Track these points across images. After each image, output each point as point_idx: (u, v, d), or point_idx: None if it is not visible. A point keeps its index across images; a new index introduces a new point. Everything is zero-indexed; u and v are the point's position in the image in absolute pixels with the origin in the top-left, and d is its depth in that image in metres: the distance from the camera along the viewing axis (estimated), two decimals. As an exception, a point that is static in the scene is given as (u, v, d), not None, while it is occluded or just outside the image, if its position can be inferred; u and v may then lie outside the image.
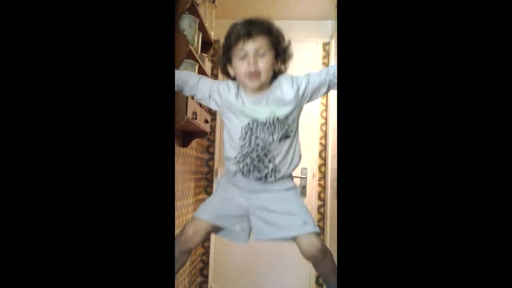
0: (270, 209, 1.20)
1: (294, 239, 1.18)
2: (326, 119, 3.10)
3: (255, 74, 1.10)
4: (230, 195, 1.26)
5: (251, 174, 1.18)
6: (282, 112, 1.14)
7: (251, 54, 1.09)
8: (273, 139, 1.14)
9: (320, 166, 3.07)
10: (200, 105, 2.03)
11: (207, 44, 2.39)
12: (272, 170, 1.18)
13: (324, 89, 1.17)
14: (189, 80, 1.21)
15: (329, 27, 3.12)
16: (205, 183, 3.05)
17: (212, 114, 3.04)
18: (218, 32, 2.73)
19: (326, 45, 3.15)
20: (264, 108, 1.15)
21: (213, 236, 2.94)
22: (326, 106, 3.10)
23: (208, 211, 1.25)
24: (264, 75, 1.11)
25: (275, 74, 1.18)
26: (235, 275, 3.01)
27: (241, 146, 1.17)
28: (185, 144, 2.36)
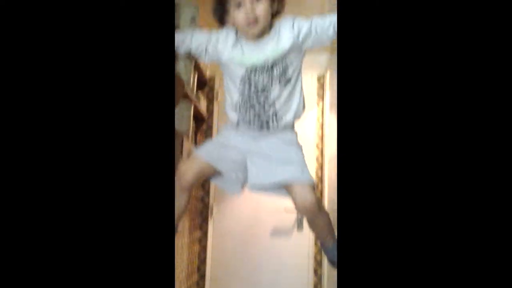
0: (269, 156, 1.19)
1: (288, 191, 1.17)
2: (322, 150, 3.11)
3: (254, 20, 1.10)
4: (230, 141, 1.24)
5: (253, 122, 1.18)
6: (281, 56, 1.13)
7: (247, 2, 1.08)
8: (271, 83, 1.14)
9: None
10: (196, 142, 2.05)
11: (202, 82, 2.43)
12: (273, 114, 1.16)
13: (328, 38, 1.16)
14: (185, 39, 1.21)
15: (324, 60, 3.17)
16: (200, 220, 3.04)
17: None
18: (213, 69, 2.77)
19: (321, 78, 3.20)
20: (263, 54, 1.14)
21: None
22: (322, 137, 3.12)
23: (206, 150, 1.24)
24: (263, 20, 1.11)
25: (273, 16, 1.16)
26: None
27: (240, 93, 1.17)
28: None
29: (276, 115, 1.16)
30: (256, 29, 1.11)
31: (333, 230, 1.21)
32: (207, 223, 2.99)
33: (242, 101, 1.17)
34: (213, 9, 1.15)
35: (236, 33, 1.17)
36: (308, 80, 3.16)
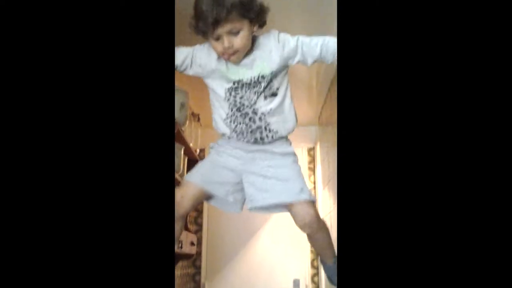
0: (266, 175, 1.14)
1: (288, 209, 1.13)
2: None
3: (233, 53, 1.06)
4: (223, 159, 1.18)
5: (245, 134, 1.13)
6: (267, 70, 1.10)
7: (224, 36, 1.03)
8: (257, 97, 1.10)
9: (313, 276, 2.95)
10: (186, 228, 1.96)
11: (192, 162, 2.39)
12: (265, 128, 1.13)
13: (312, 60, 1.12)
14: None
15: (313, 132, 3.18)
16: (192, 300, 2.89)
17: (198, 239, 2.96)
18: (204, 141, 2.75)
19: (311, 150, 3.19)
20: (249, 70, 1.10)
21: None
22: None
23: (199, 175, 1.17)
24: (243, 49, 1.07)
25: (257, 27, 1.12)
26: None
27: (228, 107, 1.13)
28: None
29: (268, 127, 1.13)
30: (236, 58, 1.08)
31: (333, 247, 1.18)
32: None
33: (230, 115, 1.13)
34: (191, 29, 1.09)
35: None
36: (299, 154, 3.15)
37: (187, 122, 2.20)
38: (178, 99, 1.93)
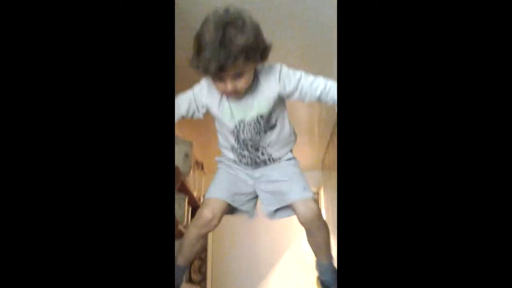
0: (272, 180, 1.19)
1: (292, 208, 1.15)
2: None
3: (235, 93, 1.05)
4: (235, 172, 1.22)
5: (249, 164, 1.19)
6: (265, 109, 1.11)
7: (228, 79, 1.01)
8: (260, 136, 1.15)
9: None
10: (190, 279, 1.91)
11: (196, 211, 2.36)
12: (268, 159, 1.19)
13: (309, 100, 1.13)
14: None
15: (317, 177, 3.16)
16: None
17: (202, 273, 2.88)
18: (207, 187, 2.73)
19: (314, 195, 3.16)
20: (250, 109, 1.12)
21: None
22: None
23: (221, 190, 1.19)
24: (245, 88, 1.06)
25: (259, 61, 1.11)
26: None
27: (233, 141, 1.17)
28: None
29: (271, 158, 1.20)
30: (238, 97, 1.09)
31: (330, 248, 1.21)
32: None
33: (236, 148, 1.18)
34: (191, 66, 1.06)
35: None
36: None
37: (191, 172, 2.19)
38: (182, 149, 1.93)
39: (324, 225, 1.19)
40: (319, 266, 1.24)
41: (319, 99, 1.10)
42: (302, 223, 1.15)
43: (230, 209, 1.22)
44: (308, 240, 1.21)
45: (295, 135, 1.24)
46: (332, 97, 1.08)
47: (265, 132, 1.14)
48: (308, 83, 1.09)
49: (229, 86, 1.01)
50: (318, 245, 1.21)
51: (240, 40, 0.95)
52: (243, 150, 1.18)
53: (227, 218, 1.23)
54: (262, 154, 1.18)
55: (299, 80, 1.09)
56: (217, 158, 1.26)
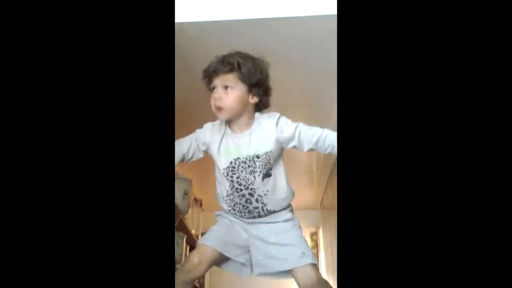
0: (268, 241, 1.17)
1: (291, 273, 1.13)
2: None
3: (218, 108, 1.12)
4: (231, 224, 1.21)
5: (243, 213, 1.18)
6: (262, 150, 1.14)
7: (219, 87, 1.12)
8: (254, 178, 1.14)
9: None
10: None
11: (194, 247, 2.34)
12: (262, 209, 1.17)
13: (308, 148, 1.16)
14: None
15: (315, 217, 3.15)
16: None
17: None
18: (206, 226, 2.71)
19: (313, 234, 3.14)
20: (246, 146, 1.15)
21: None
22: None
23: (214, 238, 1.18)
24: (230, 109, 1.13)
25: (259, 107, 1.19)
26: None
27: (228, 186, 1.18)
28: None
29: (265, 208, 1.18)
30: (223, 116, 1.14)
31: None
32: None
33: (230, 193, 1.19)
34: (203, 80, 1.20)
35: (224, 124, 1.21)
36: (301, 239, 3.09)
37: (189, 210, 2.19)
38: (181, 187, 1.94)
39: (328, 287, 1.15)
40: None
41: (316, 147, 1.15)
42: None
43: (223, 259, 1.20)
44: None
45: (293, 192, 1.23)
46: (329, 144, 1.13)
47: (262, 179, 1.15)
48: (305, 129, 1.15)
49: (216, 93, 1.11)
50: None
51: (241, 59, 1.12)
52: (237, 193, 1.17)
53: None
54: (257, 201, 1.16)
55: (297, 126, 1.16)
56: (216, 212, 1.27)
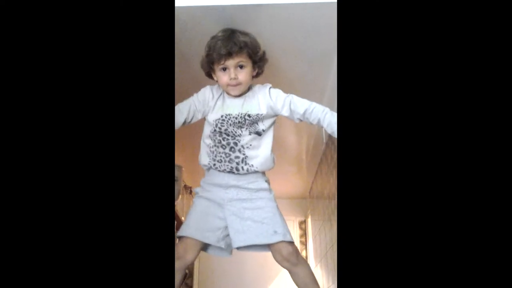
0: (242, 217, 1.22)
1: (268, 247, 1.22)
2: None
3: (236, 84, 1.20)
4: (208, 204, 1.25)
5: (223, 162, 1.23)
6: (254, 111, 1.23)
7: (232, 68, 1.20)
8: (241, 131, 1.22)
9: None
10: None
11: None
12: (242, 160, 1.23)
13: (297, 118, 1.25)
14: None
15: (304, 205, 3.18)
16: None
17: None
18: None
19: (302, 223, 3.17)
20: (239, 107, 1.24)
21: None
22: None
23: (191, 227, 1.24)
24: (244, 85, 1.22)
25: (254, 77, 1.28)
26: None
27: (213, 137, 1.24)
28: None
29: (245, 160, 1.23)
30: (237, 92, 1.23)
31: (316, 281, 1.22)
32: None
33: (213, 145, 1.25)
34: (201, 65, 1.27)
35: (222, 90, 1.29)
36: (290, 227, 3.12)
37: (180, 196, 2.21)
38: (171, 173, 1.95)
39: (303, 261, 1.23)
40: None
41: (303, 116, 1.23)
42: (279, 262, 1.21)
43: (206, 244, 1.25)
44: (292, 279, 1.24)
45: (274, 160, 1.30)
46: (315, 116, 1.22)
47: (250, 133, 1.23)
48: (295, 100, 1.25)
49: (232, 73, 1.19)
50: (301, 281, 1.22)
51: (243, 38, 1.21)
52: (222, 141, 1.23)
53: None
54: (239, 151, 1.23)
55: (287, 96, 1.26)
56: (195, 189, 1.30)
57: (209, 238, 1.22)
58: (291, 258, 1.19)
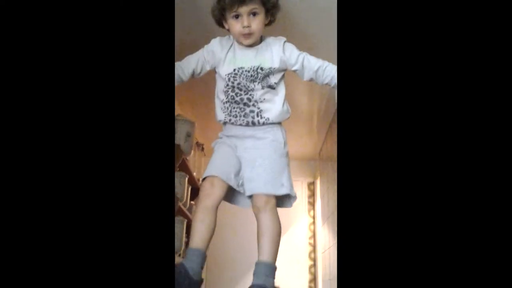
0: (254, 165, 1.20)
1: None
2: (314, 260, 3.03)
3: (249, 33, 1.17)
4: (227, 154, 1.24)
5: (238, 117, 1.22)
6: (267, 65, 1.20)
7: (245, 16, 1.15)
8: (254, 85, 1.20)
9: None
10: None
11: (196, 191, 2.42)
12: (257, 114, 1.21)
13: (308, 76, 1.23)
14: (179, 72, 1.24)
15: (313, 167, 3.22)
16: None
17: None
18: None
19: (311, 184, 3.22)
20: (252, 59, 1.21)
21: None
22: (314, 246, 3.05)
23: (215, 168, 1.21)
24: (257, 33, 1.18)
25: (266, 25, 1.23)
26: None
27: (226, 92, 1.22)
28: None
29: (260, 114, 1.22)
30: (250, 41, 1.19)
31: (275, 249, 1.16)
32: None
33: (227, 100, 1.23)
34: (212, 12, 1.21)
35: (232, 40, 1.25)
36: (299, 188, 3.18)
37: (192, 152, 2.25)
38: (184, 129, 1.99)
39: (275, 216, 1.17)
40: (255, 265, 1.16)
41: (316, 74, 1.21)
42: (253, 209, 1.18)
43: (229, 191, 1.23)
44: (258, 229, 1.18)
45: (289, 110, 1.28)
46: (327, 75, 1.21)
47: (262, 87, 1.21)
48: (308, 57, 1.22)
49: (246, 21, 1.14)
50: (261, 236, 1.16)
51: None
52: (236, 97, 1.21)
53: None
54: (253, 105, 1.21)
55: (301, 53, 1.23)
56: (213, 143, 1.29)
57: (231, 180, 1.20)
58: (261, 202, 1.16)
